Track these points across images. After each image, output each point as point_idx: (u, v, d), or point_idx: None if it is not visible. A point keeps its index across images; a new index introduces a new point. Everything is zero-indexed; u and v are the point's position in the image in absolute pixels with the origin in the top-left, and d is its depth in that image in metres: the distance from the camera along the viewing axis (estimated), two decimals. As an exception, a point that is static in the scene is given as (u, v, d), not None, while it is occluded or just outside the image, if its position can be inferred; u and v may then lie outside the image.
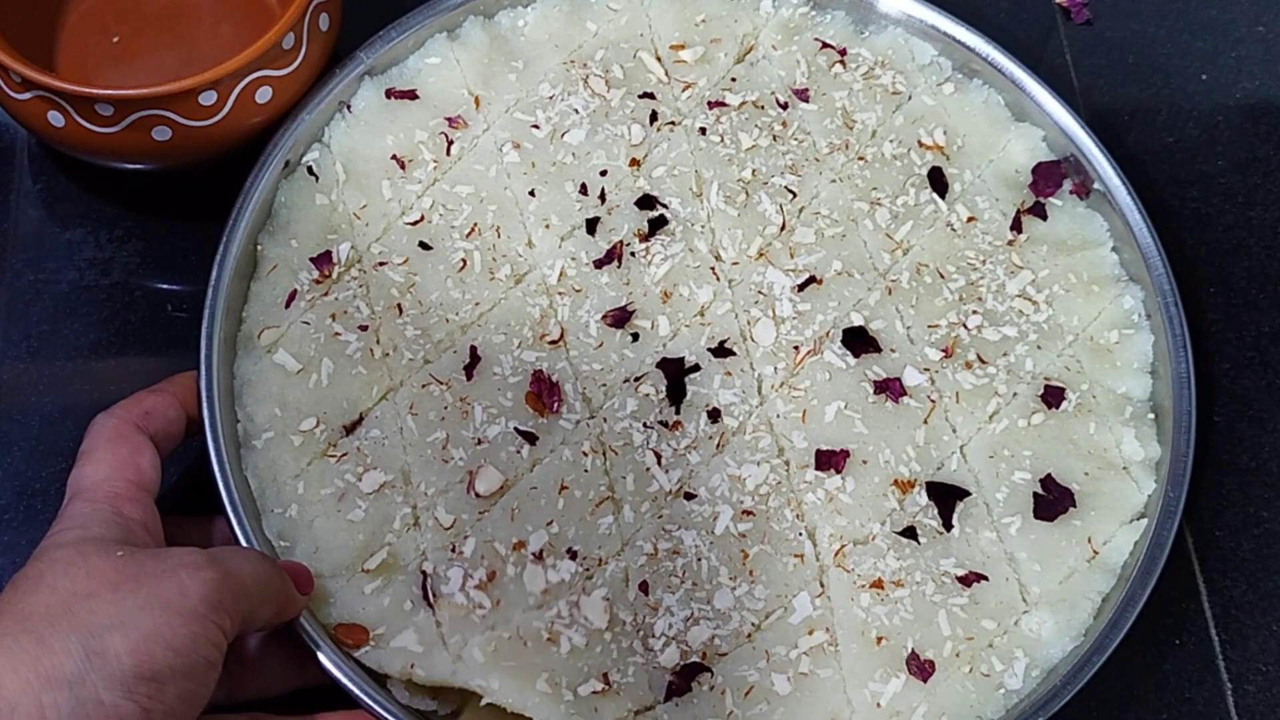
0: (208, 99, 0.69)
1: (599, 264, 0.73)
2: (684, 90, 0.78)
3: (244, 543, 0.65)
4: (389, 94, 0.77)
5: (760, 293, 0.73)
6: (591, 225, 0.74)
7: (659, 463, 0.68)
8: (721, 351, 0.71)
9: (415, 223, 0.74)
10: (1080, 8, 0.87)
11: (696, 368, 0.70)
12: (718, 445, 0.69)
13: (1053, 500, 0.68)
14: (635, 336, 0.71)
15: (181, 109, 0.69)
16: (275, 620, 0.61)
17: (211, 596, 0.55)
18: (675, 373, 0.70)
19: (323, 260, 0.72)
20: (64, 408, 0.73)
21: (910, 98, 0.78)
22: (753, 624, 0.66)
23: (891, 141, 0.77)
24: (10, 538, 0.70)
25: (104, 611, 0.52)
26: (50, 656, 0.51)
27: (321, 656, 0.63)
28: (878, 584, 0.66)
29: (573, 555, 0.66)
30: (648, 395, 0.69)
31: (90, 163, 0.74)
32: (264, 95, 0.71)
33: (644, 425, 0.68)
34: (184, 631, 0.53)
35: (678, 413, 0.69)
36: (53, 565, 0.55)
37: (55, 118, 0.69)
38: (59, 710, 0.50)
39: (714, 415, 0.69)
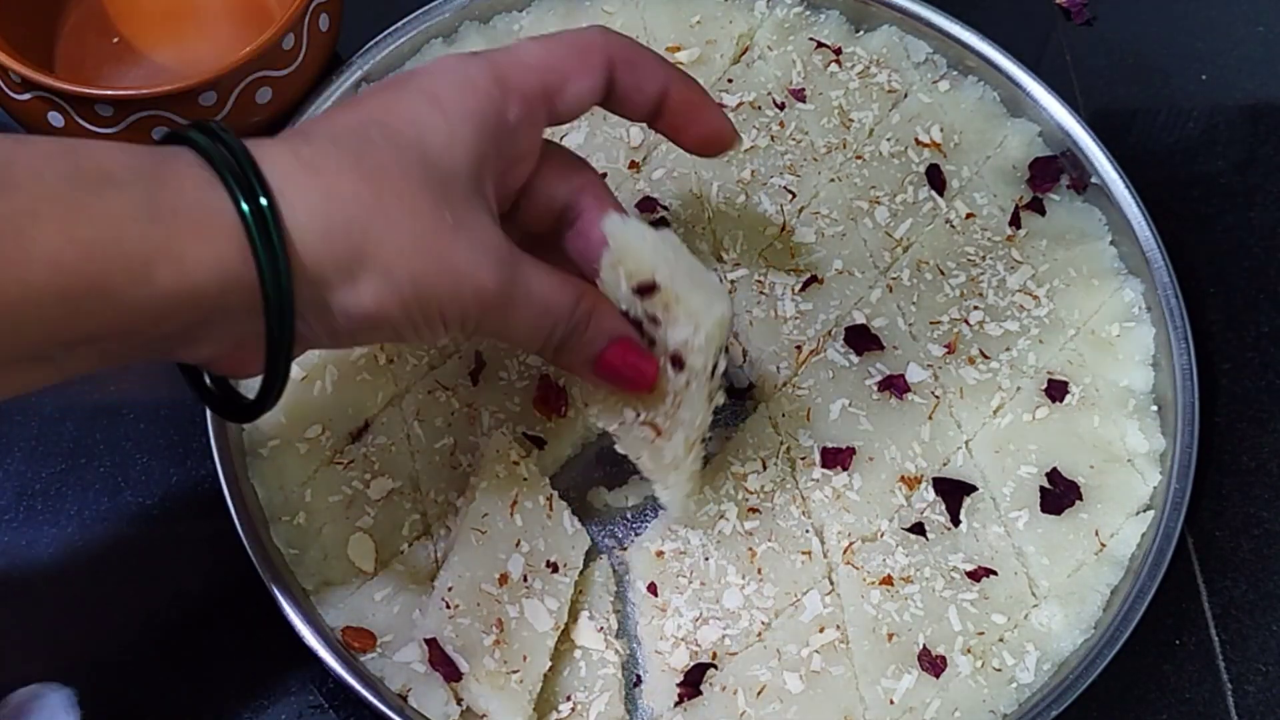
0: (208, 99, 0.69)
1: (601, 267, 0.73)
2: (681, 92, 0.78)
3: (250, 551, 0.64)
4: (386, 100, 0.76)
5: (762, 293, 0.73)
6: (593, 228, 0.74)
7: None
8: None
9: (416, 228, 0.73)
10: (1080, 8, 0.87)
11: (724, 349, 0.69)
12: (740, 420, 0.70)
13: (1059, 494, 0.68)
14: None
15: (181, 109, 0.69)
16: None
17: (465, 319, 0.52)
18: None
19: (323, 268, 0.72)
20: (64, 408, 0.73)
21: (906, 96, 0.79)
22: (763, 623, 0.65)
23: (889, 140, 0.77)
24: (10, 538, 0.69)
25: (390, 255, 0.49)
26: (321, 253, 0.48)
27: (328, 657, 0.62)
28: (887, 580, 0.66)
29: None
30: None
31: (90, 164, 0.74)
32: (264, 95, 0.71)
33: None
34: (420, 320, 0.51)
35: None
36: (397, 167, 0.50)
37: (55, 118, 0.69)
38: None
39: (738, 394, 0.69)
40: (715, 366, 0.59)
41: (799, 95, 0.78)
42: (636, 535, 0.69)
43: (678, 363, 0.58)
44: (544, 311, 0.54)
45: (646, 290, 0.57)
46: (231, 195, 0.46)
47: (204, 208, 0.46)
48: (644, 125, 0.74)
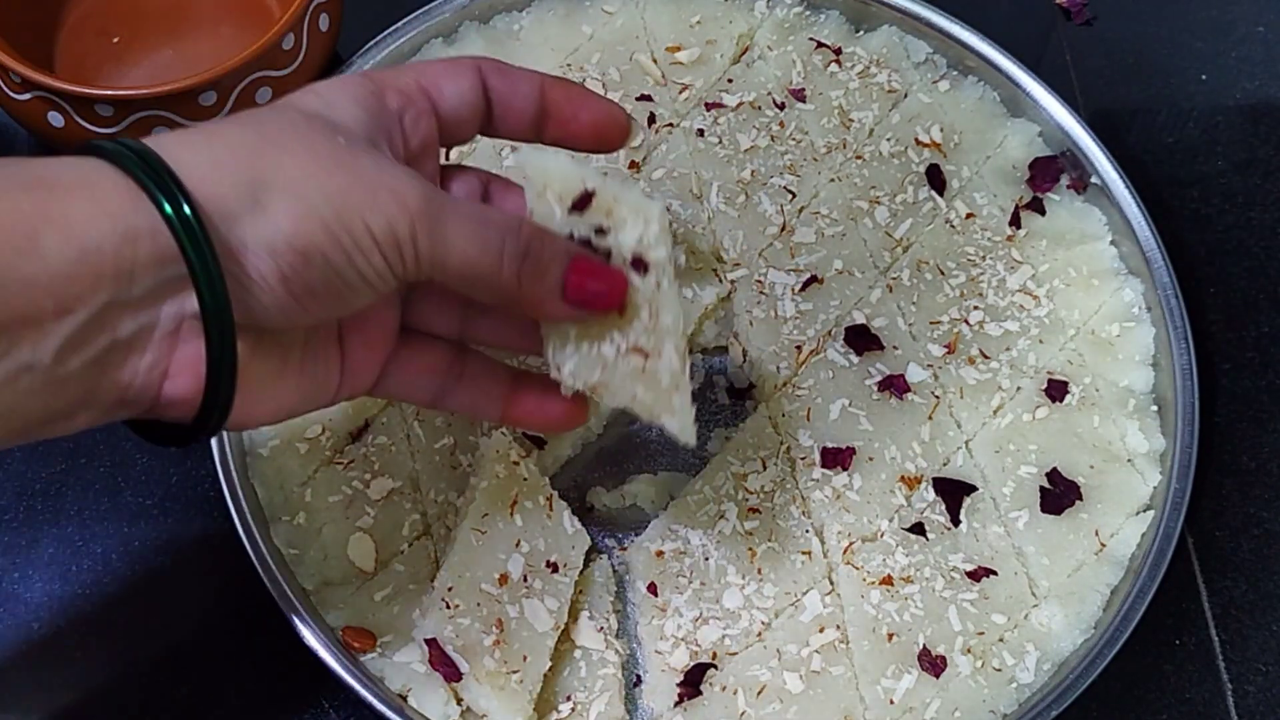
0: (208, 99, 0.69)
1: (601, 267, 0.73)
2: (681, 92, 0.78)
3: (250, 551, 0.64)
4: (386, 100, 0.76)
5: (762, 293, 0.73)
6: (593, 228, 0.73)
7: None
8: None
9: (415, 227, 0.73)
10: (1080, 8, 0.87)
11: (723, 349, 0.69)
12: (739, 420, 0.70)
13: (1059, 494, 0.68)
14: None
15: (181, 109, 0.69)
16: (503, 303, 0.54)
17: (398, 233, 0.49)
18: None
19: (324, 266, 0.72)
20: (65, 409, 0.72)
21: (906, 96, 0.78)
22: (763, 623, 0.65)
23: (889, 140, 0.77)
24: (10, 538, 0.70)
25: (292, 176, 0.48)
26: (218, 185, 0.47)
27: (328, 657, 0.62)
28: (887, 580, 0.66)
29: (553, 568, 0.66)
30: None
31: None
32: (264, 96, 0.71)
33: None
34: (348, 241, 0.48)
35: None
36: (278, 118, 0.50)
37: (55, 118, 0.69)
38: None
39: (738, 394, 0.68)
40: (674, 262, 0.57)
41: (799, 95, 0.78)
42: (636, 535, 0.69)
43: (640, 265, 0.55)
44: (483, 221, 0.52)
45: (584, 203, 0.55)
46: (105, 158, 0.46)
47: (79, 173, 0.45)
48: (643, 125, 0.76)
